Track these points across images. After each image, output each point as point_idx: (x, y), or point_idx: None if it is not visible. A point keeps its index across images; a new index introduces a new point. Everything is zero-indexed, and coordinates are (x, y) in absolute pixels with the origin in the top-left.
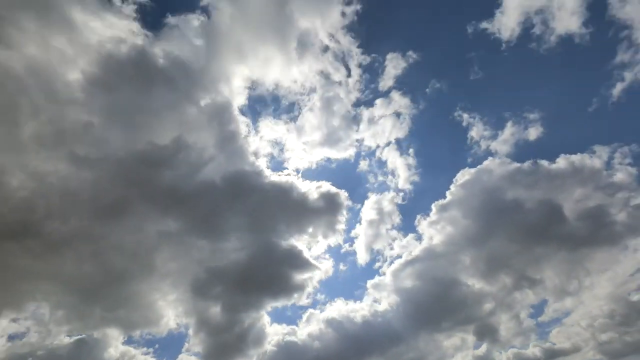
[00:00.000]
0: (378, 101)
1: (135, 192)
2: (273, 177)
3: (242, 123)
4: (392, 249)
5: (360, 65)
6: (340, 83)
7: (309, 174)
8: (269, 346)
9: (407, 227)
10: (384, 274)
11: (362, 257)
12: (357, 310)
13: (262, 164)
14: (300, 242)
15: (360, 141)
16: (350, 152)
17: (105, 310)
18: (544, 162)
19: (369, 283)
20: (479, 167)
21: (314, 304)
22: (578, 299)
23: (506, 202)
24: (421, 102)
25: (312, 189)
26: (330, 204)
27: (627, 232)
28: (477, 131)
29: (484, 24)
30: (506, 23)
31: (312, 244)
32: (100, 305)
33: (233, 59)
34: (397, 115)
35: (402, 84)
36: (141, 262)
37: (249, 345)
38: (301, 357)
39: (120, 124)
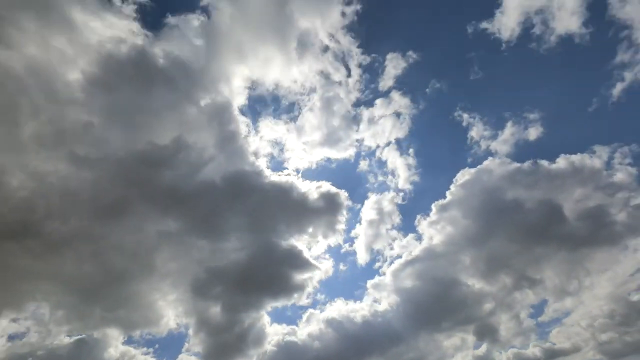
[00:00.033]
0: (378, 101)
1: (136, 192)
2: (273, 177)
3: (242, 123)
4: (392, 249)
5: (360, 65)
6: (340, 83)
7: (309, 174)
8: (269, 346)
9: (407, 227)
10: (384, 274)
11: (362, 257)
12: (357, 310)
13: (262, 164)
14: (300, 242)
15: (360, 141)
16: (350, 152)
17: (105, 310)
18: (544, 162)
19: (369, 283)
20: (479, 167)
21: (314, 304)
22: (578, 299)
23: (506, 202)
24: (421, 102)
25: (312, 189)
26: (330, 204)
27: (627, 232)
28: (477, 131)
29: (484, 24)
30: (506, 23)
31: (312, 244)
32: (100, 305)
33: (233, 59)
34: (397, 115)
35: (402, 84)
36: (141, 262)
37: (249, 345)
38: (301, 357)
39: (120, 124)
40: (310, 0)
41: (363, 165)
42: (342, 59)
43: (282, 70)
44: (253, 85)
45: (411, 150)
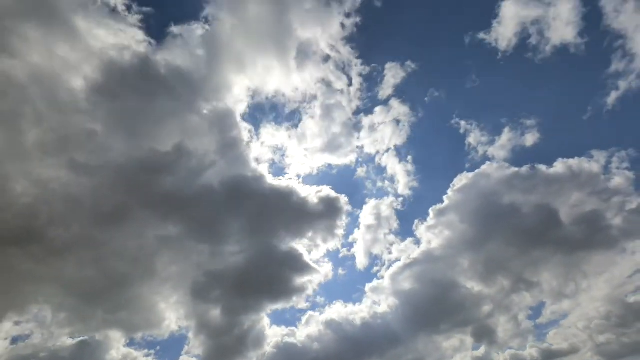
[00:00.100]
0: (378, 109)
1: (137, 198)
2: (273, 182)
3: (245, 130)
4: (390, 253)
5: (360, 75)
6: (341, 91)
7: (310, 180)
8: (268, 348)
9: (405, 231)
10: (383, 277)
11: (361, 262)
12: (356, 312)
13: (263, 169)
14: (300, 246)
15: (360, 148)
16: (350, 158)
17: (107, 313)
18: (542, 167)
19: (368, 287)
20: (476, 171)
21: (313, 307)
22: (575, 301)
23: (504, 206)
24: (420, 109)
25: (312, 194)
26: (330, 208)
27: (624, 235)
28: (474, 137)
29: (481, 35)
30: (503, 33)
31: (311, 248)
32: (102, 308)
33: (234, 69)
34: (397, 122)
35: (401, 92)
36: (142, 266)
37: (249, 347)
38: (300, 358)
39: (123, 131)
40: (310, 12)
41: (363, 171)
42: (343, 69)
43: (283, 79)
44: (254, 94)
45: (410, 157)
